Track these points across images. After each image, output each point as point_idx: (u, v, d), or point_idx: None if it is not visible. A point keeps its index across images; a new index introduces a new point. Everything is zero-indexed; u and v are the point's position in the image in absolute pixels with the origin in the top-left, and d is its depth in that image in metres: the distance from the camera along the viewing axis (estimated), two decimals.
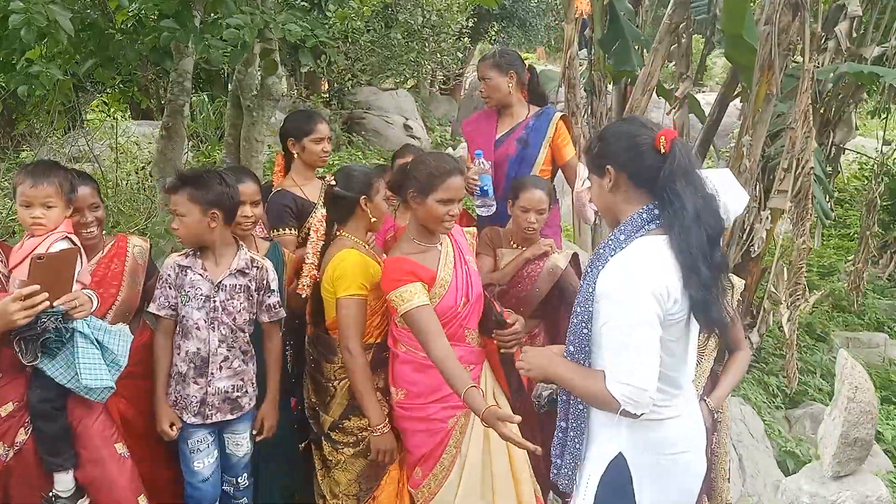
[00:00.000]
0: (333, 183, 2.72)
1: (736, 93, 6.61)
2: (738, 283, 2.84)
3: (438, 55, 13.16)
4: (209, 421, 2.60)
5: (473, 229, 2.97)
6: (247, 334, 2.69)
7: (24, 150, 7.22)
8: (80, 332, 2.28)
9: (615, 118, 6.62)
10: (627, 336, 1.80)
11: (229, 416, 2.64)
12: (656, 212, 1.89)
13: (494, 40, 16.92)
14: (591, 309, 1.90)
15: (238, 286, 2.65)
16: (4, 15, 2.93)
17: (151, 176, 5.42)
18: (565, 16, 6.61)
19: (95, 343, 2.31)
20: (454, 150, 12.94)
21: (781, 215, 5.17)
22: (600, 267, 1.89)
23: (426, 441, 2.63)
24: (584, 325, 1.92)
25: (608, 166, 1.92)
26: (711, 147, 6.92)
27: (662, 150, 1.85)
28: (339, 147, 12.13)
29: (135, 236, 2.84)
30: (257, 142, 4.68)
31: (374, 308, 2.69)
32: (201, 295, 2.59)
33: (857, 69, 5.55)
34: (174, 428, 2.56)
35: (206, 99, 9.02)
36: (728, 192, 2.35)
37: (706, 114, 6.85)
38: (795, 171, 4.97)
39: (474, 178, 3.18)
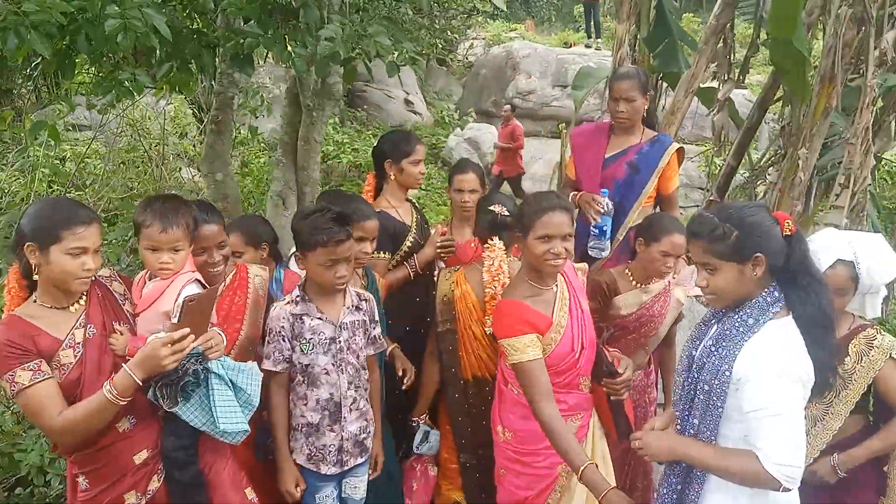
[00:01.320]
0: (506, 214, 2.79)
1: (777, 97, 6.57)
2: None
3: (449, 32, 12.92)
4: (346, 468, 2.51)
5: (584, 265, 2.87)
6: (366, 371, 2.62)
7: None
8: (214, 373, 2.18)
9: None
10: (783, 421, 1.89)
11: (359, 460, 2.56)
12: (776, 293, 1.99)
13: (494, 14, 16.68)
14: (725, 389, 1.96)
15: (357, 322, 2.56)
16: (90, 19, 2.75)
17: (199, 170, 5.22)
18: (616, 14, 6.44)
19: (229, 384, 2.21)
20: (461, 129, 12.78)
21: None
22: (734, 350, 1.96)
23: (531, 484, 2.60)
24: (718, 404, 1.99)
25: (759, 255, 1.95)
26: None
27: (788, 233, 1.95)
28: (344, 122, 11.90)
29: (254, 265, 2.72)
30: (315, 142, 4.53)
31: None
32: (325, 339, 2.49)
33: None
34: (299, 488, 2.48)
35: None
36: (881, 258, 2.30)
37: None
38: (853, 187, 4.94)
39: (595, 217, 3.08)
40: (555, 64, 13.55)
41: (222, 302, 2.50)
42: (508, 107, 10.57)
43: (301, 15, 3.46)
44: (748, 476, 1.93)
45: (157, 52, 3.35)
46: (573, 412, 2.56)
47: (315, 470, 2.51)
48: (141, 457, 2.17)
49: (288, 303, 2.53)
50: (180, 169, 5.80)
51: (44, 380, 2.00)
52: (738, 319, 1.98)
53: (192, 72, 3.51)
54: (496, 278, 2.77)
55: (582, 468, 2.18)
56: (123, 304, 2.26)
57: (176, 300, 2.17)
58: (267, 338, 2.52)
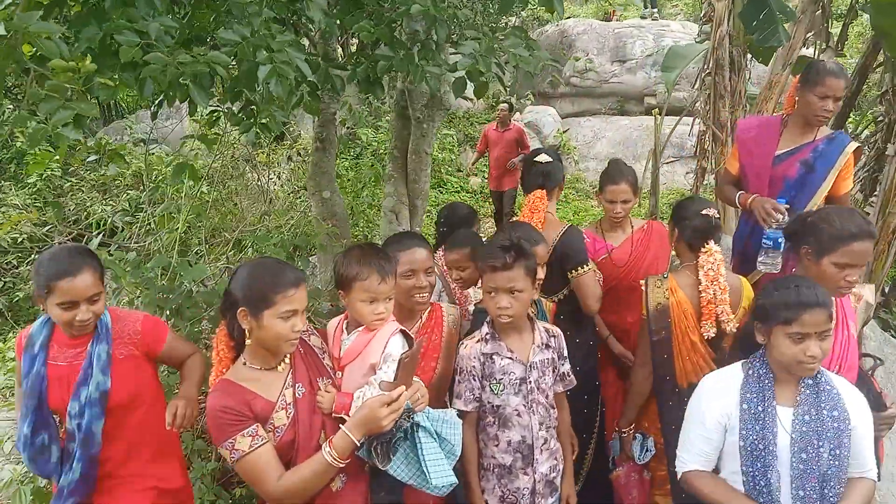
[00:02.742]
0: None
1: (878, 63, 6.25)
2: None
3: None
4: None
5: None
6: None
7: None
8: (422, 426, 2.11)
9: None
10: None
11: (550, 500, 2.47)
12: None
13: None
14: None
15: (546, 360, 2.47)
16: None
17: (306, 190, 5.17)
18: None
19: (435, 435, 2.14)
20: (520, 113, 12.57)
21: None
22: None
23: None
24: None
25: None
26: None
27: None
28: None
29: (446, 303, 2.66)
30: (426, 154, 4.43)
31: None
32: (515, 379, 2.40)
33: None
34: None
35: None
36: None
37: None
38: None
39: (772, 225, 2.92)
40: (612, 39, 13.19)
41: (421, 332, 2.49)
42: (505, 105, 8.54)
43: (433, 33, 3.37)
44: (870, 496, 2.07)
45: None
46: None
47: None
48: None
49: (478, 341, 2.45)
50: (297, 191, 5.75)
51: (262, 445, 1.97)
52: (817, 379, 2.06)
53: (319, 97, 3.44)
54: (713, 283, 2.69)
55: None
56: (323, 359, 2.22)
57: (383, 351, 2.11)
58: (457, 377, 2.45)
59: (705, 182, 7.40)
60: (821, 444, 1.98)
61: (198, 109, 3.19)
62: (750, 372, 2.12)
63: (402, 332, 2.21)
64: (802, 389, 2.07)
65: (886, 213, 5.07)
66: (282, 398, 2.05)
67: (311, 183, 4.62)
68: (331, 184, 4.58)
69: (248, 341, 2.04)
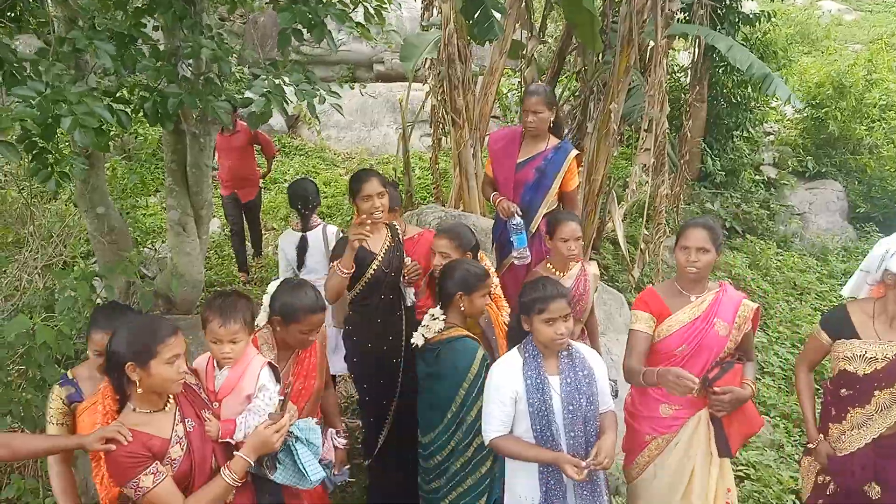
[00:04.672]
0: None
1: (572, 47, 7.53)
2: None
3: None
4: None
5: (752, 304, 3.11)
6: None
7: None
8: (297, 436, 2.56)
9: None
10: None
11: None
12: None
13: None
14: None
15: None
16: None
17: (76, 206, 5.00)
18: None
19: (305, 442, 2.60)
20: None
21: (644, 168, 6.26)
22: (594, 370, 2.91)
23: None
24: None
25: None
26: None
27: None
28: None
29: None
30: (206, 167, 4.62)
31: None
32: None
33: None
34: None
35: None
36: None
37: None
38: (655, 132, 6.04)
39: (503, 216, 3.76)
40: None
41: (301, 360, 2.88)
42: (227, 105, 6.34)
43: (216, 69, 3.62)
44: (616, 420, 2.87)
45: None
46: (669, 401, 3.05)
47: None
48: None
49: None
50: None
51: (163, 479, 2.27)
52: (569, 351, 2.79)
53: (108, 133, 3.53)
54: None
55: None
56: (200, 393, 2.53)
57: (256, 383, 2.53)
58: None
59: (441, 150, 8.33)
60: (580, 397, 2.74)
61: None
62: (526, 355, 2.80)
63: (270, 364, 2.62)
64: (562, 360, 2.78)
65: (591, 179, 6.32)
66: (174, 434, 2.34)
67: (81, 200, 4.54)
68: (104, 199, 4.54)
69: (138, 391, 2.28)
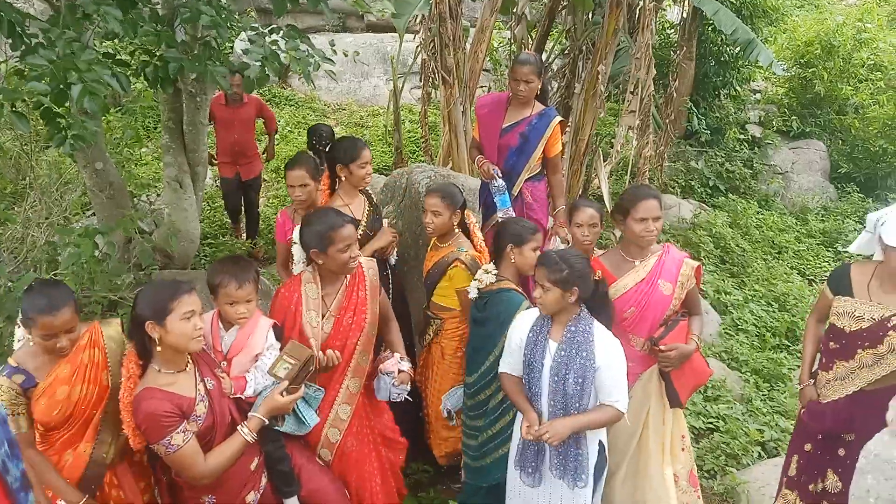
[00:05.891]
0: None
1: (562, 6, 7.57)
2: None
3: None
4: None
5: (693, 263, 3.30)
6: None
7: None
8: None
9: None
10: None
11: None
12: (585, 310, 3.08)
13: None
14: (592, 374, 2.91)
15: None
16: None
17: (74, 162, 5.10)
18: None
19: (304, 396, 2.85)
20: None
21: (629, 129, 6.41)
22: (591, 346, 2.91)
23: None
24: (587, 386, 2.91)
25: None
26: None
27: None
28: None
29: (365, 258, 3.27)
30: (202, 125, 4.74)
31: None
32: None
33: None
34: None
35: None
36: None
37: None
38: (640, 94, 6.17)
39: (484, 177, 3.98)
40: None
41: (350, 295, 3.06)
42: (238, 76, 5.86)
43: (216, 35, 3.71)
44: (612, 419, 2.84)
45: None
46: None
47: None
48: (254, 464, 2.76)
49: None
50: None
51: (191, 439, 2.47)
52: (578, 328, 2.84)
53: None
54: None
55: None
56: (210, 353, 2.74)
57: (265, 342, 2.79)
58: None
59: (430, 104, 8.39)
60: (567, 373, 2.78)
61: None
62: (538, 313, 2.99)
63: (274, 324, 2.85)
64: (567, 331, 2.85)
65: (578, 139, 6.47)
66: (198, 392, 2.56)
67: (80, 156, 4.65)
68: (102, 154, 4.65)
69: (158, 349, 2.47)
